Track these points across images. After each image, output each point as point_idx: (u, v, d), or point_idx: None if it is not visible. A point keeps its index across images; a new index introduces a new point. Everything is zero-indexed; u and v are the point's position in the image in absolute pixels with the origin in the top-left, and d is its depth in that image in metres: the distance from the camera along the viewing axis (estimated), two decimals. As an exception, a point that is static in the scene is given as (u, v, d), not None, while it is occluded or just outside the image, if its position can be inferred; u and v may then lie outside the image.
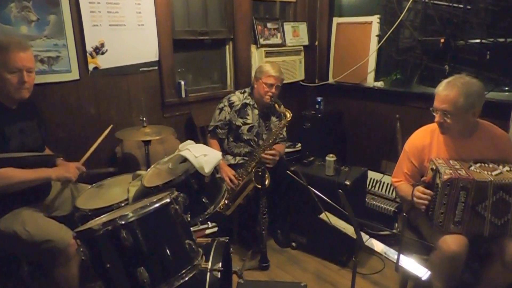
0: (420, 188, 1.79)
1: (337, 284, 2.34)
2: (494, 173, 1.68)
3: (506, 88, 2.61)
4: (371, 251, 2.55)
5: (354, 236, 1.35)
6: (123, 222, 1.20)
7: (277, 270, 2.48)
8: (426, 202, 1.75)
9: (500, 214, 1.67)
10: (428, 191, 1.75)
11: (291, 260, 2.60)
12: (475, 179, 1.63)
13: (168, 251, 1.28)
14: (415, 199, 1.80)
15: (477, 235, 1.70)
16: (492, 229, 1.68)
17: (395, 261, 1.26)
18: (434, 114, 1.81)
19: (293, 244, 2.71)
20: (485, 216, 1.67)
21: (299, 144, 3.41)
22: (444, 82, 1.79)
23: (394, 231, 2.61)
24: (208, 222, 2.25)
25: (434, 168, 1.77)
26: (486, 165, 1.76)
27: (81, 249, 1.21)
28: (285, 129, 2.66)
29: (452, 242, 1.64)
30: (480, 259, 1.86)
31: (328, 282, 2.36)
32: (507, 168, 1.71)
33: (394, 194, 2.95)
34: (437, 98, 1.77)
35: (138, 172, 1.98)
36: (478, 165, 1.75)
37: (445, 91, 1.74)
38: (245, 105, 2.65)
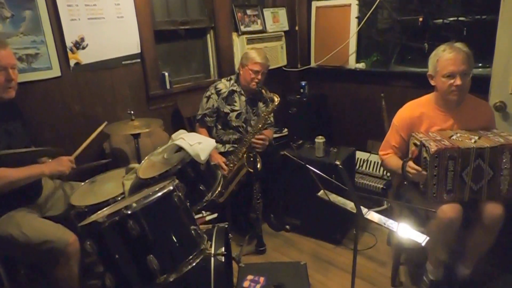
0: (411, 163, 1.83)
1: (333, 261, 2.41)
2: (471, 141, 1.77)
3: (480, 64, 2.70)
4: (363, 228, 2.66)
5: (354, 211, 1.39)
6: (129, 212, 1.20)
7: (274, 253, 2.53)
8: (423, 178, 1.79)
9: (477, 179, 1.76)
10: (417, 167, 1.80)
11: (287, 243, 2.65)
12: (460, 147, 1.72)
13: (175, 237, 1.29)
14: (410, 175, 1.83)
15: (460, 200, 1.78)
16: (471, 194, 1.78)
17: (394, 230, 1.32)
18: (447, 80, 1.82)
19: (287, 227, 2.76)
20: (466, 182, 1.76)
21: (286, 129, 3.45)
22: (446, 47, 1.84)
23: (384, 206, 2.71)
24: (203, 211, 2.25)
25: (418, 143, 1.84)
26: (465, 134, 1.84)
27: (88, 243, 1.21)
28: (272, 114, 2.69)
29: (448, 210, 1.72)
30: (465, 226, 1.96)
31: (325, 261, 2.42)
32: (476, 137, 1.80)
33: (381, 171, 3.04)
34: (453, 62, 1.79)
35: (131, 165, 1.96)
36: (458, 134, 1.84)
37: (459, 53, 1.79)
38: (232, 92, 2.65)
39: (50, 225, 1.74)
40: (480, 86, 2.36)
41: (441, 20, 2.75)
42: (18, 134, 1.83)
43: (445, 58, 1.82)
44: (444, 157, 1.72)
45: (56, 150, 1.94)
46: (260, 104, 2.76)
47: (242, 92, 2.67)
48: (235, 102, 2.66)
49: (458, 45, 1.85)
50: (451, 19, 2.72)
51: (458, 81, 1.80)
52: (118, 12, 2.48)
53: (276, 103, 2.56)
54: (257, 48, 2.74)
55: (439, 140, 1.77)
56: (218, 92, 2.64)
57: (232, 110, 2.65)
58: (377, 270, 2.29)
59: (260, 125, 2.55)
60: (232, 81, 2.69)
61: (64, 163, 1.83)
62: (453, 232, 1.76)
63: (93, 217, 1.30)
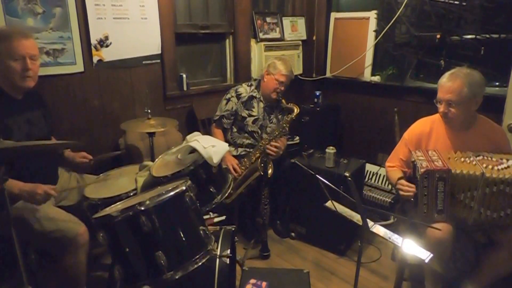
0: (402, 181, 1.89)
1: (335, 272, 2.42)
2: (500, 166, 1.71)
3: (497, 83, 2.70)
4: (369, 241, 2.67)
5: (360, 223, 1.41)
6: (142, 208, 1.25)
7: (278, 259, 2.55)
8: (411, 193, 1.83)
9: (498, 206, 1.71)
10: (408, 183, 1.85)
11: (291, 250, 2.67)
12: (450, 170, 1.69)
13: (184, 236, 1.33)
14: (401, 192, 1.88)
15: (461, 222, 1.77)
16: (484, 218, 1.74)
17: (399, 244, 1.33)
18: (438, 105, 1.88)
19: (292, 234, 2.77)
20: (470, 206, 1.73)
21: (297, 137, 3.47)
22: (447, 73, 1.86)
23: (391, 221, 2.71)
24: (210, 213, 2.29)
25: (414, 161, 1.85)
26: (489, 158, 1.79)
27: (101, 235, 1.26)
28: (289, 124, 2.72)
29: (436, 230, 1.70)
30: (475, 247, 1.94)
31: (327, 270, 2.43)
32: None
33: (390, 185, 3.04)
34: (441, 89, 1.84)
35: (145, 162, 2.01)
36: (478, 158, 1.80)
37: (449, 82, 1.82)
38: (251, 97, 2.71)
39: (63, 214, 1.80)
40: (495, 106, 2.37)
41: (458, 38, 2.76)
42: (39, 124, 1.90)
43: (440, 83, 1.87)
44: (433, 177, 1.71)
45: (77, 144, 2.00)
46: (277, 113, 2.80)
47: (261, 99, 2.73)
48: (253, 107, 2.71)
49: (459, 71, 1.83)
50: (469, 37, 2.72)
51: (441, 108, 1.86)
52: (142, 14, 2.56)
53: (295, 114, 2.59)
54: (283, 59, 2.75)
55: (433, 161, 1.76)
56: (238, 96, 2.70)
57: (250, 115, 2.70)
58: (380, 284, 2.30)
59: (276, 132, 2.59)
60: (252, 87, 2.75)
61: (38, 197, 1.66)
62: (443, 252, 1.75)
63: (107, 210, 1.35)
